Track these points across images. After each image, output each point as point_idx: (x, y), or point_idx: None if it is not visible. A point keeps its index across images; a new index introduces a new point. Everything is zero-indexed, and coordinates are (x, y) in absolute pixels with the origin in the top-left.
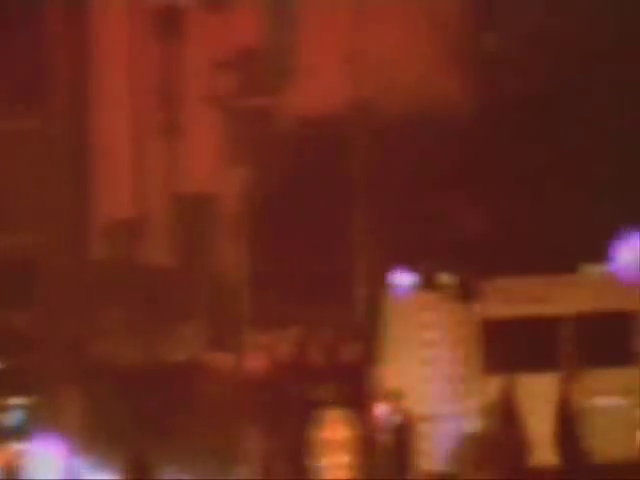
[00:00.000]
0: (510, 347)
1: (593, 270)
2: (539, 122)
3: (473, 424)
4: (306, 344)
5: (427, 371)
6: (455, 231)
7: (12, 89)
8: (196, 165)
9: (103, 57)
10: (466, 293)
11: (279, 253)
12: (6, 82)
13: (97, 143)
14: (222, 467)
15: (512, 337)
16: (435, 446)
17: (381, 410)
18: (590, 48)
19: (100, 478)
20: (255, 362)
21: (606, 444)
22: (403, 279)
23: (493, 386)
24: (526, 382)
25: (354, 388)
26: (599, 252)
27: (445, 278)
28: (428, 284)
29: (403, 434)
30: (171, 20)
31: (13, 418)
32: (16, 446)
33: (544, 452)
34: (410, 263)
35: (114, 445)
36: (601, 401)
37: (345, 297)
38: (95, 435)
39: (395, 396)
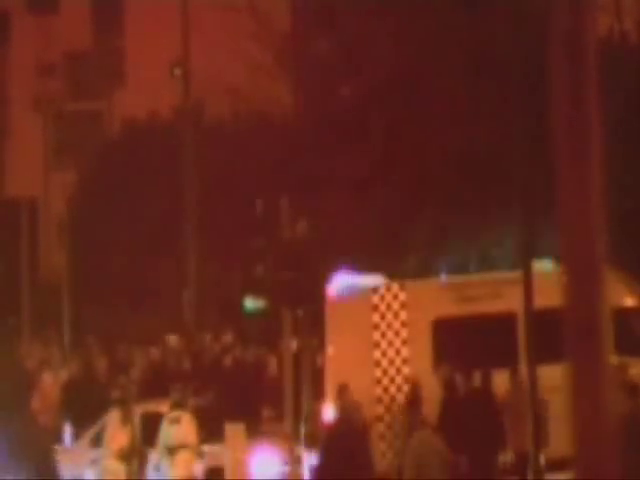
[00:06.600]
0: (462, 345)
1: (544, 266)
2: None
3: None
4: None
5: (377, 372)
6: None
7: None
8: (22, 168)
9: None
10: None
11: (104, 257)
12: None
13: None
14: None
15: (464, 335)
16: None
17: (329, 411)
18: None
19: None
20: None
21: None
22: (342, 281)
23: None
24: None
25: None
26: (550, 248)
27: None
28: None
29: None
30: None
31: None
32: None
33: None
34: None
35: None
36: (553, 397)
37: (172, 301)
38: None
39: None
